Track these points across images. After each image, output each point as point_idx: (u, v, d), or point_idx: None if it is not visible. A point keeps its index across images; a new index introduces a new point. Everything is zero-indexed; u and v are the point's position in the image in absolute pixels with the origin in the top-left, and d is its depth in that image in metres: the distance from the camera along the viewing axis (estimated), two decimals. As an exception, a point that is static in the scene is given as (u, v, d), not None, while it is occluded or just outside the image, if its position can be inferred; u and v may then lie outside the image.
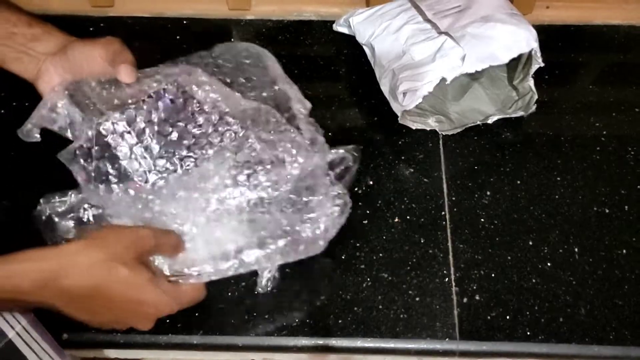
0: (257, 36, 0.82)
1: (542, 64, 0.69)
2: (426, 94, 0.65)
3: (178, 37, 0.81)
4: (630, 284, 0.61)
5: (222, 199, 0.54)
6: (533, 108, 0.72)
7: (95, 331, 0.56)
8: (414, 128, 0.71)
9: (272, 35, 0.83)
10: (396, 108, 0.69)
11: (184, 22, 0.83)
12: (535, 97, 0.71)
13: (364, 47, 0.76)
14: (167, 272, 0.52)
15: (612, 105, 0.77)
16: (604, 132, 0.73)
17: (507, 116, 0.73)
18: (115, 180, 0.56)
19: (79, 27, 0.61)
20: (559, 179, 0.69)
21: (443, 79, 0.65)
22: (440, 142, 0.71)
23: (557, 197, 0.67)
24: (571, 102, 0.77)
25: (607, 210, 0.66)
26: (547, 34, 0.70)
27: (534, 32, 0.68)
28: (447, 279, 0.61)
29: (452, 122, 0.73)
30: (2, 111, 0.72)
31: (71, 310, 0.47)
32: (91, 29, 0.80)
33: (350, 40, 0.79)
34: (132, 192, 0.55)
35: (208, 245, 0.53)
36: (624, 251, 0.63)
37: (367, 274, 0.61)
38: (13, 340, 0.48)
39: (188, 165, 0.57)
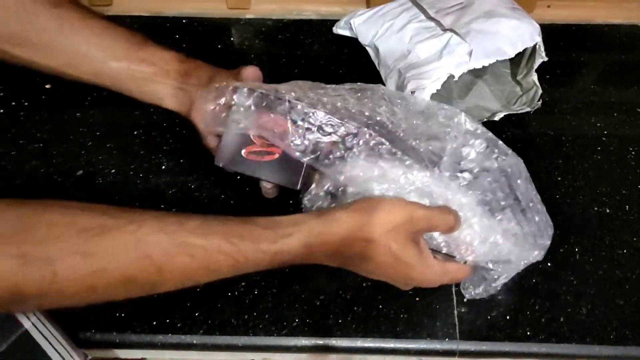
0: (256, 35, 0.82)
1: (546, 58, 0.69)
2: (434, 92, 0.64)
3: (177, 36, 0.81)
4: (631, 283, 0.61)
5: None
6: (539, 104, 0.72)
7: (94, 331, 0.56)
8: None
9: (271, 35, 0.82)
10: None
11: (183, 21, 0.83)
12: (540, 91, 0.71)
13: (367, 48, 0.76)
14: (439, 244, 0.53)
15: (613, 105, 0.76)
16: (605, 132, 0.73)
17: (514, 112, 0.73)
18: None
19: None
20: (559, 178, 0.69)
21: (451, 76, 0.65)
22: (441, 141, 0.71)
23: (557, 196, 0.67)
24: (572, 102, 0.77)
25: (607, 210, 0.66)
26: (549, 33, 0.70)
27: (537, 26, 0.68)
28: (447, 279, 0.60)
29: (459, 120, 0.73)
30: (2, 111, 0.72)
31: (343, 267, 0.52)
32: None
33: (351, 40, 0.78)
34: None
35: (481, 229, 0.54)
36: (625, 251, 0.63)
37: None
38: (29, 330, 0.48)
39: None
